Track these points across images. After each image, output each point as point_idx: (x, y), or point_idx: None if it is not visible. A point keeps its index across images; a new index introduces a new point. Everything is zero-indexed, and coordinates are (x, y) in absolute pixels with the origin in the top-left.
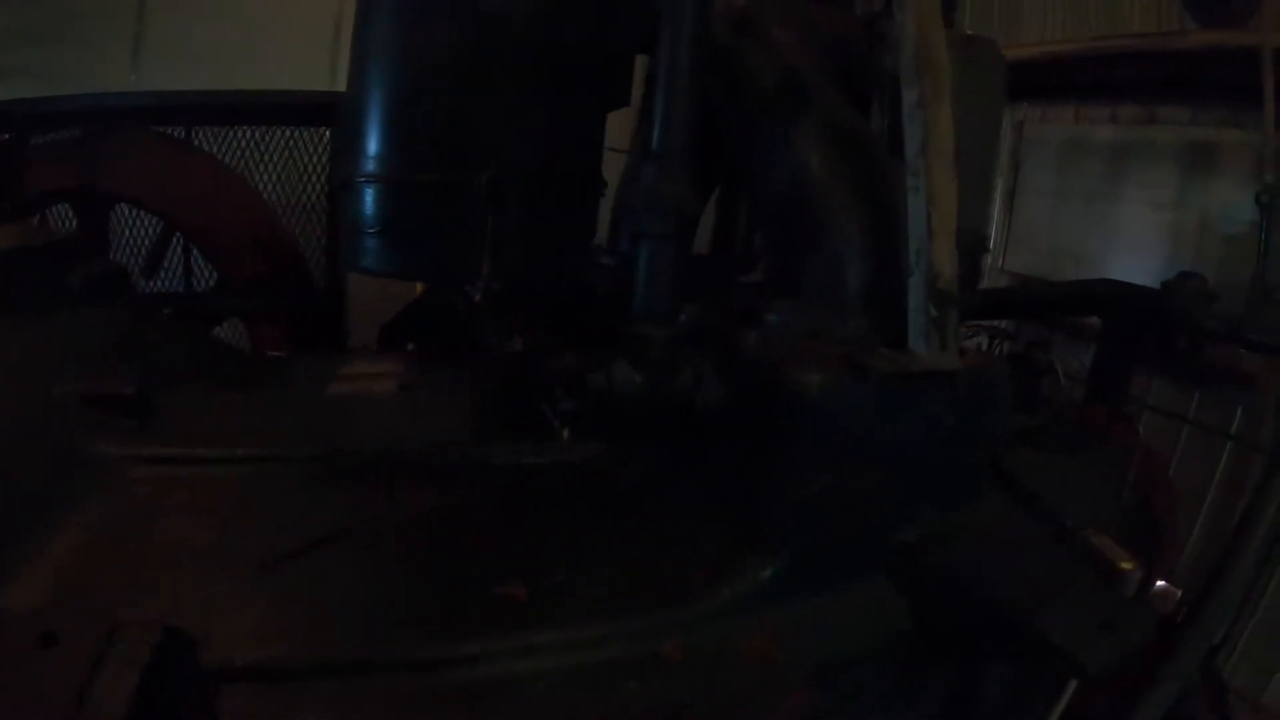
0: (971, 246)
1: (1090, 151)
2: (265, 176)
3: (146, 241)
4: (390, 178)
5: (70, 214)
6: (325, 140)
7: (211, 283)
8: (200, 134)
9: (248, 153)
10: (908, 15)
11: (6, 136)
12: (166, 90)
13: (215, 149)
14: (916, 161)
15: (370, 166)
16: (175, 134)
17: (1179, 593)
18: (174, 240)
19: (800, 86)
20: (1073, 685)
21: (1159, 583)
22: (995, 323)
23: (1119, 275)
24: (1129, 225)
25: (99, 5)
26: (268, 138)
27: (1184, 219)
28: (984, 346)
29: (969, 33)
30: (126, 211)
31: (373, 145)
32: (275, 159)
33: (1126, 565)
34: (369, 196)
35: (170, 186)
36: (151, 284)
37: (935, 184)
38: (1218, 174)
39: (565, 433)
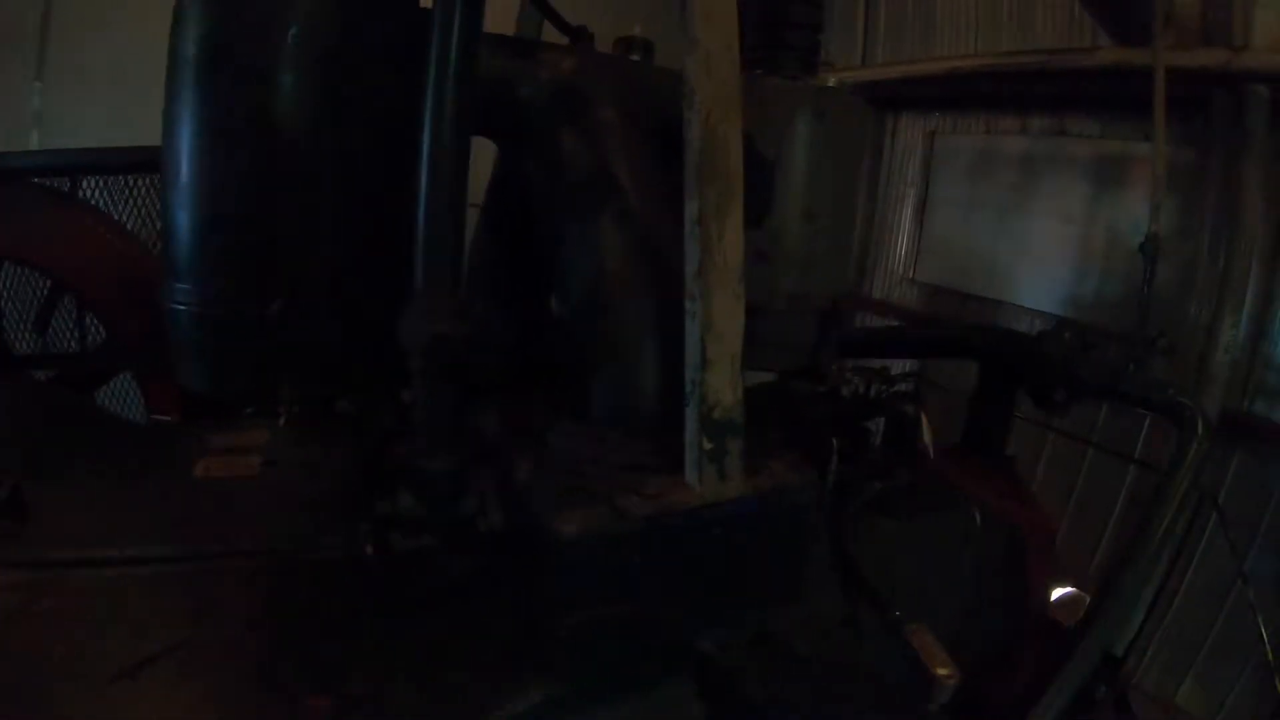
0: (838, 305)
1: (1001, 162)
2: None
3: (36, 299)
4: (188, 305)
5: None
6: None
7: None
8: (88, 184)
9: (138, 204)
10: (695, 111)
11: None
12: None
13: (103, 200)
14: (695, 283)
15: (173, 292)
16: (60, 186)
17: (1087, 598)
18: (63, 298)
19: (612, 182)
20: None
21: (1069, 589)
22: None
23: (1028, 287)
24: (1039, 237)
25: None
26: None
27: (1093, 232)
28: (860, 390)
29: (829, 84)
30: (14, 270)
31: (174, 270)
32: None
33: (943, 671)
34: (175, 319)
35: (55, 242)
36: (40, 343)
37: (715, 308)
38: (1128, 187)
39: (368, 547)
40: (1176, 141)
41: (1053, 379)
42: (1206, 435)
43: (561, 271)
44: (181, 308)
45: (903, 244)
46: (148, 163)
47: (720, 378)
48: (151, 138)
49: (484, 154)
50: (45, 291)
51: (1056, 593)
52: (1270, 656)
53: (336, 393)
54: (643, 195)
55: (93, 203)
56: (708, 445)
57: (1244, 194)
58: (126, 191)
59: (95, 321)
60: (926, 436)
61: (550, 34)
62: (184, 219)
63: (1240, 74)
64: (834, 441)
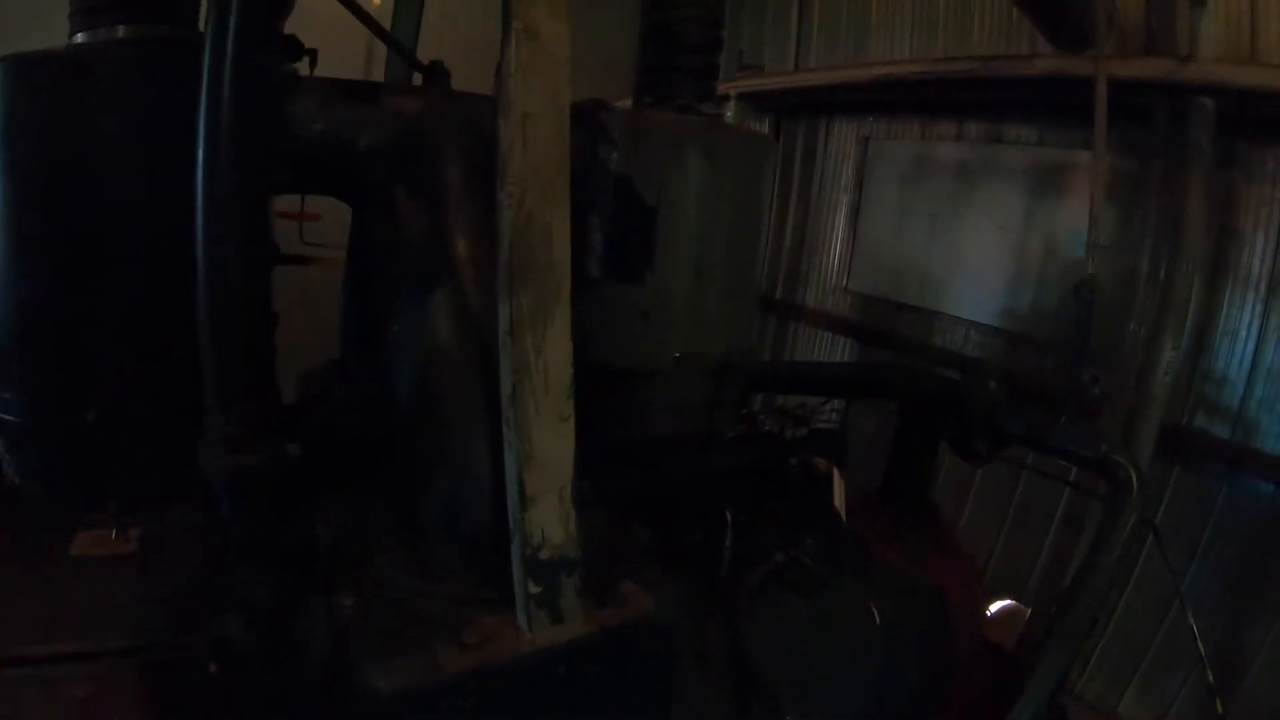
0: (736, 362)
1: (936, 169)
2: None
3: None
4: (10, 412)
5: None
6: None
7: None
8: None
9: None
10: (507, 192)
11: None
12: None
13: None
14: (510, 407)
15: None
16: None
17: (1028, 610)
18: None
19: (448, 255)
20: None
21: (1008, 602)
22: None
23: (963, 297)
24: (974, 246)
25: None
26: None
27: (1030, 241)
28: (776, 431)
29: (732, 125)
30: None
31: None
32: None
33: None
34: (2, 425)
35: None
36: None
37: (536, 436)
38: (1066, 196)
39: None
40: (1117, 149)
41: (975, 429)
42: (1141, 492)
43: (389, 353)
44: (5, 415)
45: (836, 252)
46: None
47: (547, 514)
48: None
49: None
50: None
51: (994, 607)
52: (1210, 678)
53: (170, 497)
54: (483, 274)
55: None
56: (535, 589)
57: (1186, 208)
58: None
59: None
60: (838, 495)
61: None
62: None
63: (1185, 85)
64: (727, 515)
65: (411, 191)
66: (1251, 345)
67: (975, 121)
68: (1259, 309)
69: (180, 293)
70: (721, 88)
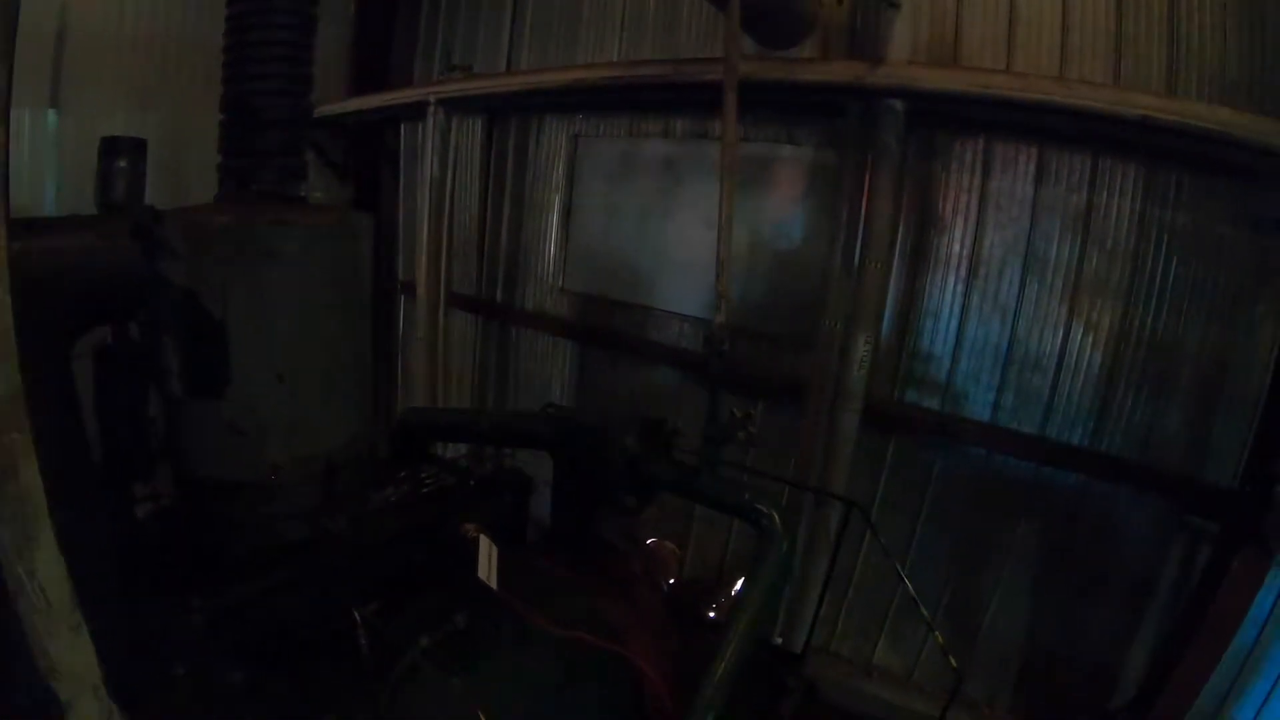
0: (344, 459)
1: (644, 166)
2: None
3: None
4: None
5: None
6: None
7: None
8: None
9: None
10: None
11: None
12: None
13: None
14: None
15: None
16: None
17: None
18: None
19: None
20: None
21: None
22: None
23: (674, 292)
24: (682, 240)
25: None
26: None
27: (736, 235)
28: (439, 481)
29: (324, 205)
30: None
31: None
32: None
33: None
34: None
35: None
36: None
37: (54, 653)
38: (771, 190)
39: None
40: (816, 145)
41: (620, 484)
42: (786, 537)
43: None
44: None
45: (551, 252)
46: None
47: (88, 715)
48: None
49: None
50: None
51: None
52: (939, 639)
53: None
54: None
55: None
56: None
57: (876, 206)
58: None
59: None
60: (486, 562)
61: None
62: None
63: (873, 89)
64: (357, 615)
65: None
66: (955, 323)
67: (682, 118)
68: (960, 289)
69: None
70: (423, 92)
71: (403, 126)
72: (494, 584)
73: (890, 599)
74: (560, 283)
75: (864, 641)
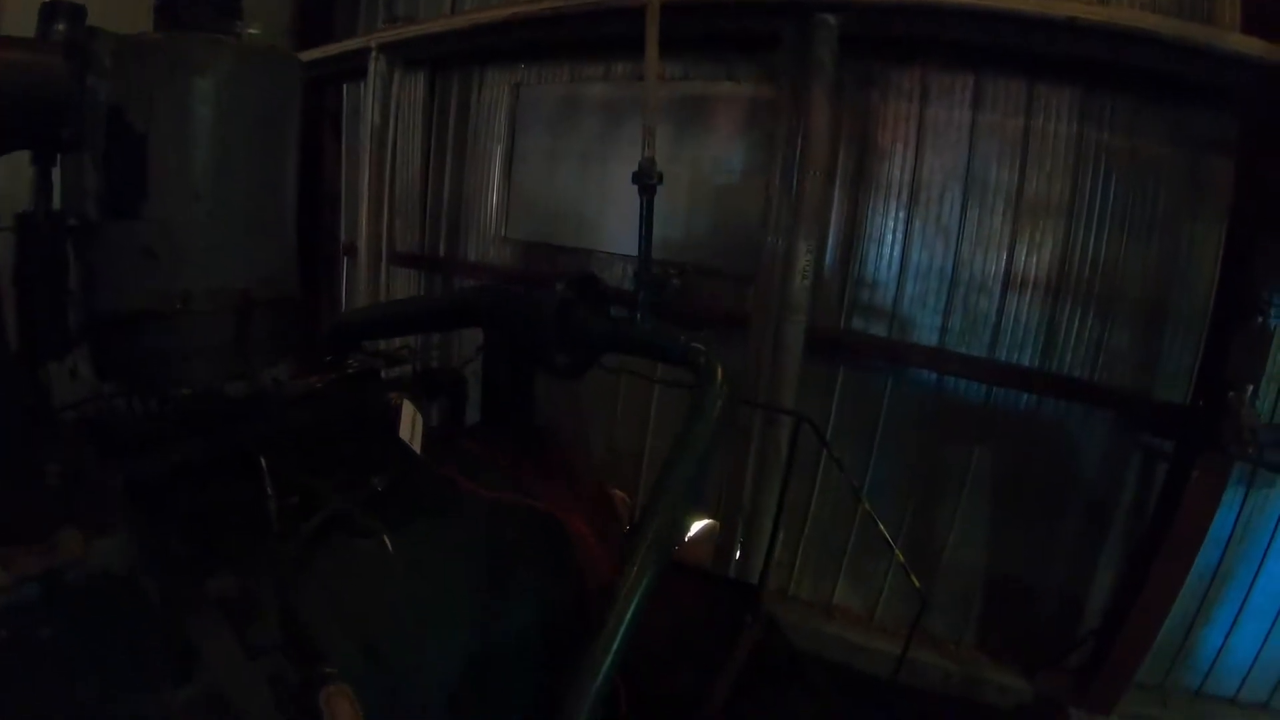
0: (263, 297)
1: (584, 110)
2: None
3: None
4: None
5: None
6: None
7: None
8: None
9: None
10: None
11: None
12: None
13: None
14: None
15: None
16: None
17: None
18: None
19: None
20: None
21: (704, 522)
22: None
23: (617, 234)
24: (624, 182)
25: None
26: None
27: (677, 171)
28: (380, 373)
29: (254, 45)
30: None
31: None
32: None
33: None
34: None
35: None
36: None
37: None
38: (711, 127)
39: None
40: (755, 80)
41: (552, 339)
42: (725, 382)
43: None
44: None
45: (494, 202)
46: None
47: None
48: None
49: None
50: None
51: (694, 528)
52: (900, 557)
53: None
54: None
55: None
56: None
57: (812, 118)
58: None
59: None
60: (409, 429)
61: None
62: None
63: (808, 3)
64: (262, 463)
65: None
66: (898, 249)
67: (622, 61)
68: (903, 215)
69: None
70: (364, 40)
71: (345, 87)
72: (417, 449)
73: (848, 536)
74: (503, 232)
75: (823, 583)
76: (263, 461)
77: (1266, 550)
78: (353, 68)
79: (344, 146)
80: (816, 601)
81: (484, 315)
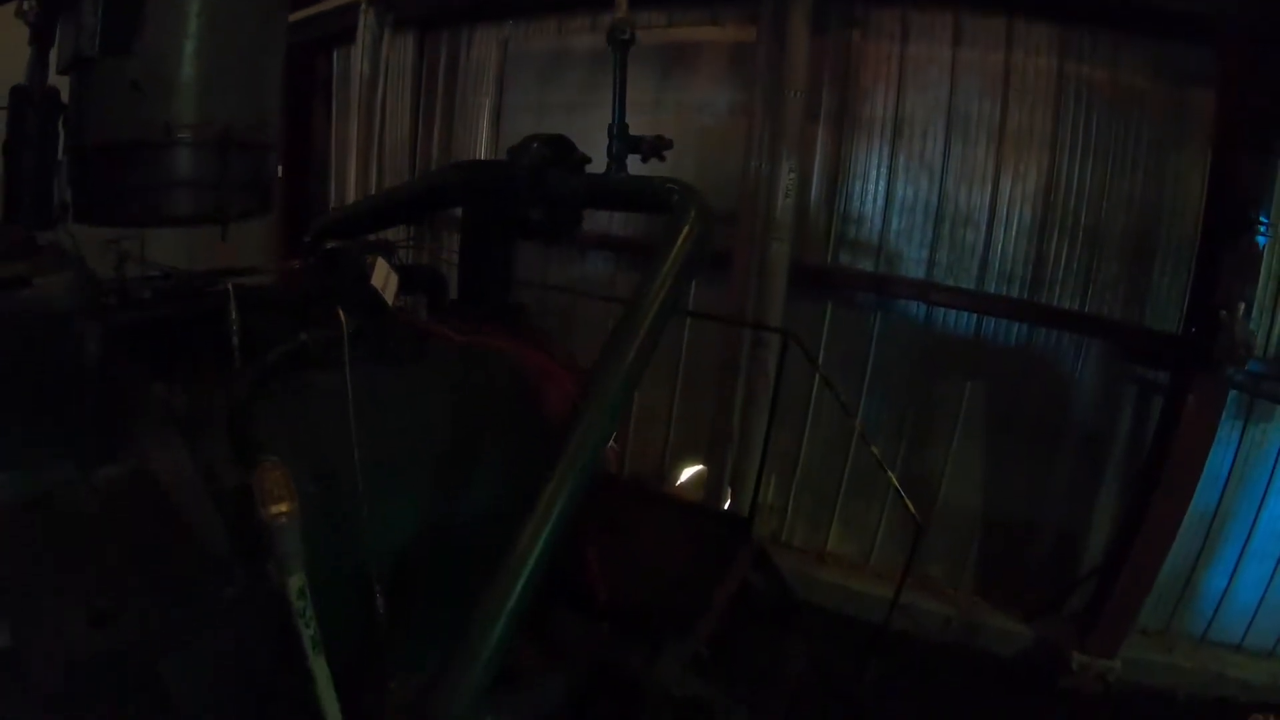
0: (244, 136)
1: (571, 63)
2: None
3: None
4: None
5: None
6: None
7: None
8: None
9: None
10: None
11: None
12: None
13: None
14: None
15: None
16: None
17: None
18: None
19: None
20: None
21: (694, 468)
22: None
23: None
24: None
25: None
26: None
27: (662, 118)
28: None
29: None
30: None
31: None
32: None
33: (276, 509)
34: None
35: None
36: None
37: None
38: (695, 71)
39: None
40: (738, 20)
41: (525, 196)
42: (699, 217)
43: None
44: None
45: (480, 156)
46: None
47: None
48: None
49: None
50: None
51: (686, 473)
52: (894, 481)
53: None
54: None
55: None
56: None
57: (792, 46)
58: None
59: None
60: (382, 279)
61: None
62: None
63: None
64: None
65: None
66: (883, 184)
67: (609, 12)
68: (886, 150)
69: None
70: None
71: (335, 54)
72: (390, 301)
73: (839, 481)
74: None
75: (815, 530)
76: (231, 293)
77: (1267, 488)
78: (342, 28)
79: (334, 110)
80: (810, 548)
81: (461, 189)
